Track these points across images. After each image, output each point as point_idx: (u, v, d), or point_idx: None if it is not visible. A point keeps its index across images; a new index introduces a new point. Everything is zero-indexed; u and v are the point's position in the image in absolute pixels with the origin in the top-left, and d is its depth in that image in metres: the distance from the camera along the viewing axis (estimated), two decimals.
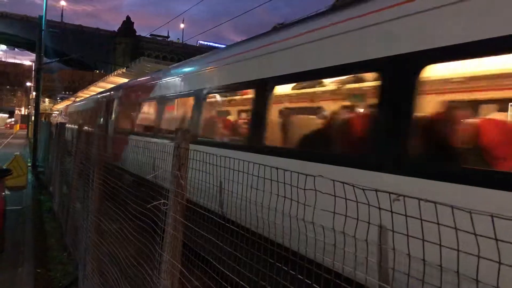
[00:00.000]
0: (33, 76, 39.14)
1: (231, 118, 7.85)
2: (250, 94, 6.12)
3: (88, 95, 29.29)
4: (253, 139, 5.62)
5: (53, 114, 53.01)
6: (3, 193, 8.66)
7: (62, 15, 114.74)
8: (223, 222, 2.94)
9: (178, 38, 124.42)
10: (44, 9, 20.99)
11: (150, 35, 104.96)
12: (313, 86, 5.41)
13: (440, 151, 3.52)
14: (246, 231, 2.71)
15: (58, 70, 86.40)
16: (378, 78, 3.84)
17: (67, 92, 75.21)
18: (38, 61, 22.42)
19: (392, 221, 1.47)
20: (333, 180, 1.66)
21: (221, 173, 2.94)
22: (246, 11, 17.52)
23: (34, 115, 23.11)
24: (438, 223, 1.33)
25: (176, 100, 9.42)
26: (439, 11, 3.36)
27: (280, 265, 2.24)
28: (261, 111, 5.44)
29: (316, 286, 1.86)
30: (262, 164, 2.36)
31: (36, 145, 20.73)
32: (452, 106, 3.82)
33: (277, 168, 2.13)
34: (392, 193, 1.42)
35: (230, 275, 2.69)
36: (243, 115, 7.13)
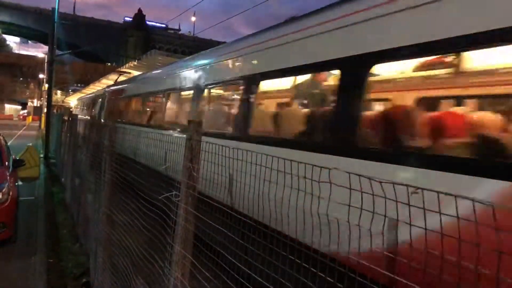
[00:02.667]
0: (45, 68, 39.29)
1: None
2: None
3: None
4: None
5: (77, 107, 35.00)
6: (16, 184, 8.77)
7: (74, 7, 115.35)
8: (234, 214, 2.94)
9: (189, 31, 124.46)
10: (57, 1, 21.10)
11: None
12: None
13: None
14: (256, 223, 2.70)
15: (70, 62, 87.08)
16: None
17: (79, 85, 75.65)
18: (50, 53, 22.57)
19: (409, 214, 1.44)
20: (349, 173, 1.64)
21: None
22: (257, 4, 17.46)
23: (46, 107, 23.29)
24: (462, 218, 1.30)
25: None
26: None
27: (292, 257, 2.22)
28: None
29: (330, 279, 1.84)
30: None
31: (48, 136, 20.94)
32: None
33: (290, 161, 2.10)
34: (410, 185, 1.40)
35: (242, 266, 2.69)
36: None
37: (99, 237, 5.27)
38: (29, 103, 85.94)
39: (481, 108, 4.05)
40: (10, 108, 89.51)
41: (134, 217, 4.48)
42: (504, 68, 3.58)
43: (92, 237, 5.90)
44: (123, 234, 4.59)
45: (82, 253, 6.93)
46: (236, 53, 7.23)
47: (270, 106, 6.89)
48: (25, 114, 79.39)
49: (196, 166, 3.05)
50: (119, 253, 4.57)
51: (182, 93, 9.69)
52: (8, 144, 11.46)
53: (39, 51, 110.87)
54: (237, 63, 7.22)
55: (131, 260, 4.20)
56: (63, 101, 72.62)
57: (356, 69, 4.28)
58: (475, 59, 3.60)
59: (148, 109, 12.82)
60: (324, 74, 5.44)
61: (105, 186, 5.15)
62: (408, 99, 4.55)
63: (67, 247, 7.40)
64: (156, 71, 13.27)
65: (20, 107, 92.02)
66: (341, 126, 4.37)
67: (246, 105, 6.35)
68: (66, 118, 13.80)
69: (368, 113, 4.42)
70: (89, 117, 20.49)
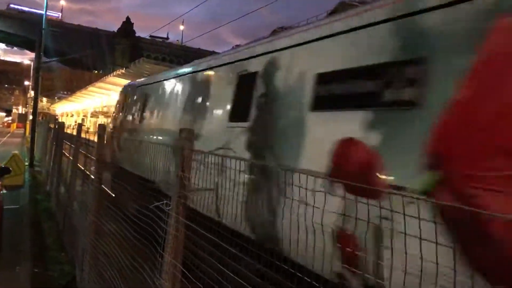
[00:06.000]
0: (31, 75, 38.84)
1: None
2: None
3: None
4: None
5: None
6: (1, 192, 8.63)
7: (61, 14, 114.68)
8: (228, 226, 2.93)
9: (178, 40, 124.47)
10: (45, 9, 21.00)
11: (149, 37, 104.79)
12: None
13: None
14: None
15: (57, 70, 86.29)
16: None
17: (65, 92, 75.04)
18: (37, 60, 22.37)
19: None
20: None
21: None
22: (245, 14, 17.64)
23: (32, 114, 23.03)
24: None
25: None
26: None
27: (285, 265, 2.23)
28: None
29: None
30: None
31: (33, 144, 20.69)
32: None
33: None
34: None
35: (233, 275, 2.68)
36: None
37: (85, 246, 5.21)
38: (14, 110, 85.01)
39: None
40: None
41: (123, 226, 4.44)
42: None
43: (79, 246, 5.83)
44: (111, 243, 4.54)
45: (68, 262, 6.83)
46: None
47: None
48: (10, 121, 78.54)
49: (187, 175, 3.04)
50: (107, 262, 4.52)
51: None
52: None
53: (25, 58, 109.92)
54: None
55: (119, 270, 4.15)
56: (48, 108, 72.04)
57: None
58: None
59: None
60: None
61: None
62: None
63: (53, 256, 7.27)
64: None
65: (4, 114, 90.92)
66: None
67: None
68: (51, 125, 13.66)
69: None
70: None
